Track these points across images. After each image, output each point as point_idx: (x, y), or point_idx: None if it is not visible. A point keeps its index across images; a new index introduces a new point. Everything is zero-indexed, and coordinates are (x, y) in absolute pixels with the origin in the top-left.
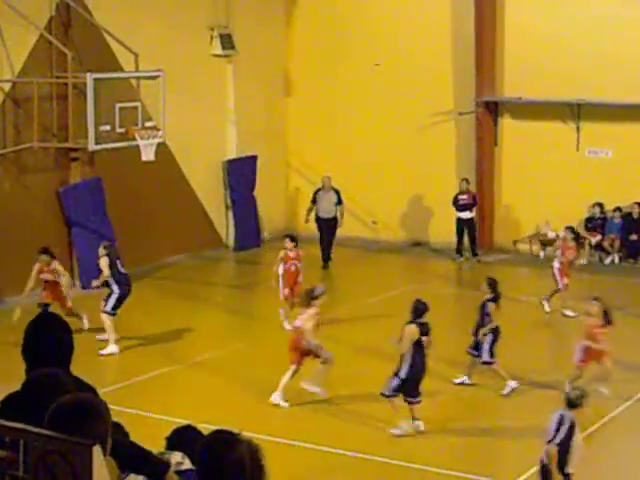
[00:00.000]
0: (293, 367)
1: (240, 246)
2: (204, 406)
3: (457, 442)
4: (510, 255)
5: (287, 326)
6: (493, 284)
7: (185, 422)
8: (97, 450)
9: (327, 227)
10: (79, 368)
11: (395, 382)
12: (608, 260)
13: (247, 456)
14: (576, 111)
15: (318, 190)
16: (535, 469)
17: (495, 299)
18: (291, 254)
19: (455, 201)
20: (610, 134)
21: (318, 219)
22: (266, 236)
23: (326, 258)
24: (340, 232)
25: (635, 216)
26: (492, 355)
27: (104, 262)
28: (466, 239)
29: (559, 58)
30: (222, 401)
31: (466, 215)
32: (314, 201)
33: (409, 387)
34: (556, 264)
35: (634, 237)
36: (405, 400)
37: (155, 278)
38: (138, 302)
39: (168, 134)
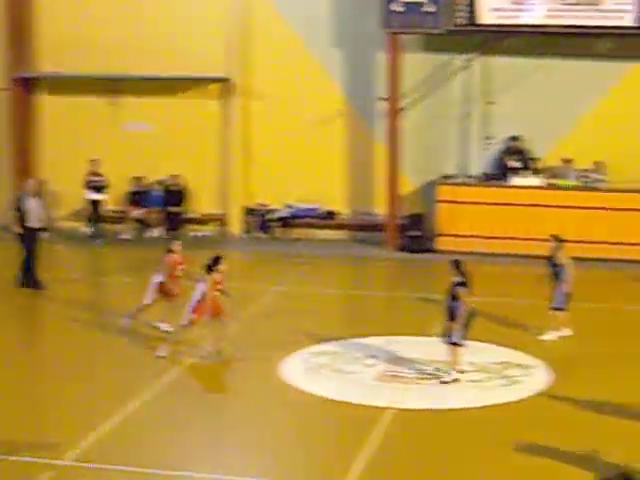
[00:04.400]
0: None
1: None
2: None
3: None
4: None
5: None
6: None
7: None
8: None
9: (37, 239)
10: None
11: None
12: (151, 233)
13: None
14: (115, 85)
15: (23, 195)
16: None
17: (464, 283)
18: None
19: (88, 183)
20: (148, 108)
21: (25, 229)
22: None
23: (35, 280)
24: None
25: (174, 188)
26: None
27: None
28: None
29: (97, 33)
30: None
31: (100, 196)
32: (19, 209)
33: None
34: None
35: (174, 209)
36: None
37: None
38: None
39: None
